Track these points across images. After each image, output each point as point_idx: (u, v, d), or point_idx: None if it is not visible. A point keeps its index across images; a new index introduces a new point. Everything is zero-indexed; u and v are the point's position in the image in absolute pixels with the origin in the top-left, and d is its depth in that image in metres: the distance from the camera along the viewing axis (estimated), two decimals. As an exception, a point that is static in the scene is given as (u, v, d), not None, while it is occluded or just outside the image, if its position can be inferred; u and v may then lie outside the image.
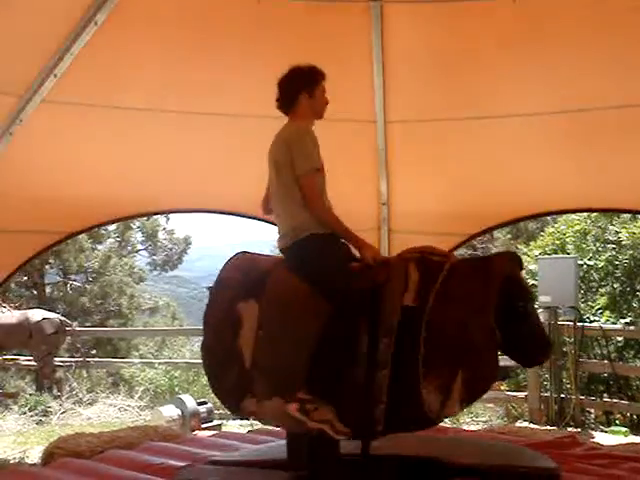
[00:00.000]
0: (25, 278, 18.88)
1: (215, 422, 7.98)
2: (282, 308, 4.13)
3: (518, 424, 8.40)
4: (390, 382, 3.95)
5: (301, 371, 3.98)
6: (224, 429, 7.81)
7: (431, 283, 4.07)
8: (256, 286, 4.19)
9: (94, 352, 13.92)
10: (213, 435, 6.62)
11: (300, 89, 4.40)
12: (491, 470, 4.28)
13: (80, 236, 16.14)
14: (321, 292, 4.12)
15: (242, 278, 4.24)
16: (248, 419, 8.74)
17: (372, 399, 3.94)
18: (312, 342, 4.00)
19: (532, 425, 8.13)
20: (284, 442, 4.42)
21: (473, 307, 4.02)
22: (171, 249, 22.97)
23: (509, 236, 17.16)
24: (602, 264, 10.05)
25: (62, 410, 9.45)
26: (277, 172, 4.36)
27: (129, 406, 9.71)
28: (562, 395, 8.52)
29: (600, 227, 10.52)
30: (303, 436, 4.13)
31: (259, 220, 7.48)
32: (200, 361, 10.48)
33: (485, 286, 4.05)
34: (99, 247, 20.78)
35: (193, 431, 7.35)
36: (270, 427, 7.21)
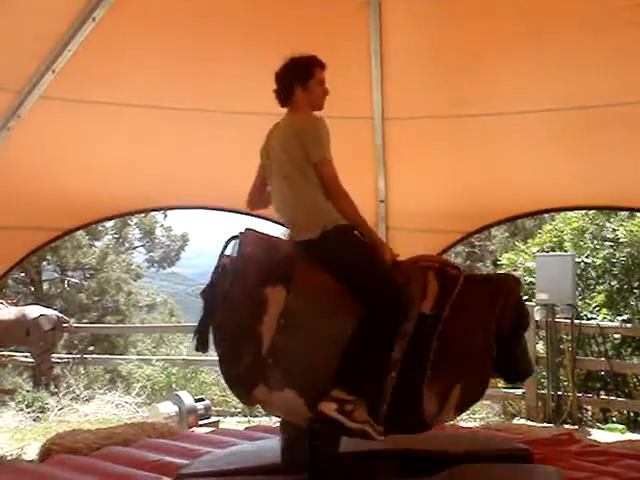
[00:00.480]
0: (22, 275, 18.88)
1: (212, 419, 7.98)
2: (313, 302, 3.98)
3: (515, 421, 8.42)
4: (395, 384, 4.00)
5: (329, 369, 3.89)
6: (221, 426, 7.81)
7: (449, 294, 4.17)
8: (282, 271, 3.99)
9: (91, 349, 13.93)
10: (210, 432, 6.62)
11: (293, 82, 4.32)
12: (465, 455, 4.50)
13: (77, 233, 16.15)
14: (354, 288, 3.99)
15: (265, 257, 4.00)
16: (245, 416, 8.81)
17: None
18: (345, 341, 3.92)
19: (529, 422, 8.14)
20: (251, 445, 4.48)
21: (479, 321, 4.21)
22: (169, 246, 22.97)
23: (507, 234, 17.20)
24: (600, 262, 10.05)
25: (59, 407, 9.45)
26: (288, 162, 4.18)
27: (126, 403, 9.71)
28: (559, 392, 8.55)
29: (598, 225, 10.52)
30: (301, 438, 4.10)
31: (257, 217, 7.49)
32: (198, 358, 10.60)
33: (492, 304, 4.25)
34: (96, 244, 20.77)
35: (190, 428, 7.35)
36: (267, 424, 7.26)
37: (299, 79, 4.32)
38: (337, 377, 3.89)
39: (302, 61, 4.34)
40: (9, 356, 11.78)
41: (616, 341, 9.53)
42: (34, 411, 9.17)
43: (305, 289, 3.99)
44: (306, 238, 4.08)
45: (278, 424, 6.43)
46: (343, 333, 3.95)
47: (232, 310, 3.91)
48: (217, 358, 3.97)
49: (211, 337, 3.97)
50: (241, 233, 4.05)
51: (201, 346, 3.97)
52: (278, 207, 4.40)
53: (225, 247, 4.04)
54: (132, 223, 22.00)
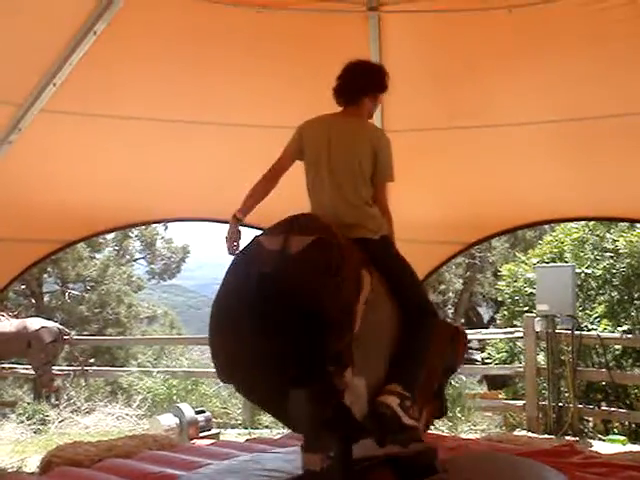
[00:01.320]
0: (23, 287, 18.88)
1: (213, 431, 7.97)
2: (379, 293, 4.02)
3: (516, 433, 8.41)
4: None
5: (387, 365, 3.98)
6: (222, 438, 7.80)
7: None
8: (363, 256, 4.03)
9: (92, 361, 13.89)
10: (211, 444, 6.61)
11: (369, 87, 4.36)
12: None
13: (78, 245, 16.16)
14: (401, 287, 4.18)
15: (347, 241, 3.97)
16: (246, 428, 8.81)
17: None
18: (394, 338, 4.05)
19: (530, 434, 8.12)
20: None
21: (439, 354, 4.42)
22: (169, 258, 22.99)
23: (507, 245, 17.22)
24: (600, 272, 10.08)
25: (60, 419, 9.44)
26: (356, 164, 4.23)
27: (127, 415, 9.69)
28: (560, 404, 8.53)
29: (598, 235, 10.55)
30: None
31: (258, 229, 7.49)
32: (199, 370, 10.60)
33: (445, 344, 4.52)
34: (97, 256, 20.79)
35: (191, 440, 7.35)
36: (267, 436, 7.26)
37: (375, 87, 4.38)
38: (395, 373, 3.96)
39: (382, 72, 4.40)
40: (10, 368, 11.76)
41: (617, 352, 9.54)
42: (35, 423, 9.15)
43: (376, 278, 4.00)
44: (365, 237, 4.19)
45: (279, 436, 6.45)
46: (395, 329, 4.05)
47: (343, 286, 3.72)
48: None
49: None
50: (309, 215, 4.13)
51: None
52: (328, 198, 4.29)
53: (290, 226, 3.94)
54: (133, 235, 22.03)
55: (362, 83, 4.34)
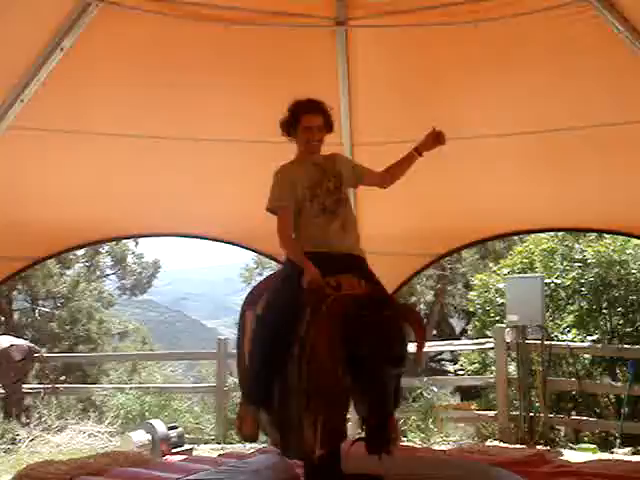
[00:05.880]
0: (-7, 304, 18.71)
1: (186, 446, 7.93)
2: None
3: (488, 443, 8.45)
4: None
5: None
6: (195, 453, 7.77)
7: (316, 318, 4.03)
8: None
9: (63, 378, 13.81)
10: (183, 459, 6.59)
11: (287, 131, 4.62)
12: None
13: (48, 261, 16.03)
14: None
15: None
16: (219, 443, 8.78)
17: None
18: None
19: (502, 444, 8.17)
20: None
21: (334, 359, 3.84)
22: (140, 273, 22.88)
23: (477, 256, 17.32)
24: (569, 282, 10.17)
25: (31, 438, 9.33)
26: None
27: (99, 432, 9.61)
28: (531, 413, 8.58)
29: (567, 246, 10.66)
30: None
31: (229, 244, 7.52)
32: (171, 385, 10.54)
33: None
34: (67, 272, 20.62)
35: (164, 456, 7.30)
36: (240, 450, 7.24)
37: (290, 131, 4.61)
38: None
39: (291, 110, 4.59)
40: (-21, 387, 11.63)
41: (586, 361, 9.63)
42: (5, 443, 9.05)
43: None
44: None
45: (252, 451, 6.44)
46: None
47: None
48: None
49: None
50: None
51: None
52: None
53: None
54: (103, 251, 21.89)
55: (284, 129, 4.65)
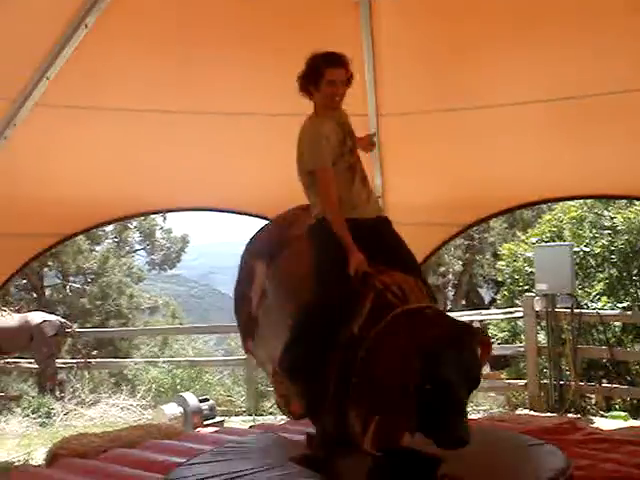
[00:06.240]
0: (24, 281, 18.87)
1: (217, 419, 8.01)
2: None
3: (518, 412, 8.45)
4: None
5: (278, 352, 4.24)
6: (226, 425, 7.85)
7: (377, 321, 3.94)
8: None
9: (95, 353, 13.95)
10: (215, 431, 6.65)
11: (307, 84, 4.38)
12: None
13: (78, 238, 16.16)
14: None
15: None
16: (250, 415, 8.86)
17: None
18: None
19: (532, 412, 8.16)
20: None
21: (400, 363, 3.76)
22: (169, 248, 22.97)
23: (505, 225, 17.22)
24: (598, 250, 10.09)
25: (65, 411, 9.48)
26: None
27: (131, 405, 9.75)
28: (562, 382, 8.56)
29: (596, 213, 10.56)
30: None
31: (256, 217, 7.53)
32: (203, 359, 10.72)
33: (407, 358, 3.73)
34: (97, 248, 20.75)
35: (195, 428, 7.39)
36: (271, 422, 7.30)
37: (310, 81, 4.37)
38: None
39: (313, 62, 4.36)
40: (14, 363, 11.80)
41: (617, 329, 9.56)
42: (40, 417, 9.20)
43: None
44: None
45: (283, 422, 6.50)
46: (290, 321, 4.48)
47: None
48: None
49: None
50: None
51: None
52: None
53: None
54: (132, 226, 21.98)
55: (301, 82, 4.41)
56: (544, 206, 12.90)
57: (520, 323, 9.87)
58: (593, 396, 9.24)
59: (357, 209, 4.32)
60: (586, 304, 9.52)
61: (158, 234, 22.76)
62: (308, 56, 4.37)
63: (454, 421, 3.60)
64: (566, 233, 10.67)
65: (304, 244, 4.43)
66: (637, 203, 9.98)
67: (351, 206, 4.30)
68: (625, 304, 9.59)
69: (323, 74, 4.30)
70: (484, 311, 14.21)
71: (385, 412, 3.79)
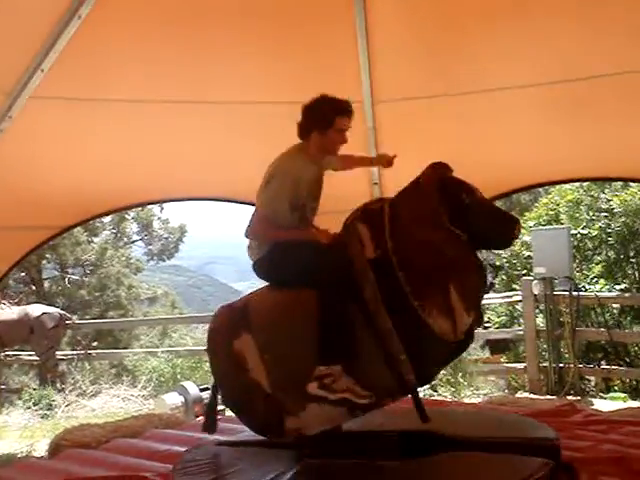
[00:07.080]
0: (23, 274, 18.91)
1: (218, 407, 8.02)
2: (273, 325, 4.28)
3: (518, 395, 8.49)
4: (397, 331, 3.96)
5: (311, 357, 4.03)
6: (228, 414, 7.86)
7: (380, 229, 4.12)
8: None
9: (95, 344, 13.98)
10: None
11: (312, 127, 4.39)
12: (487, 442, 4.26)
13: (75, 229, 16.17)
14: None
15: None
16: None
17: (391, 356, 3.93)
18: (314, 328, 4.05)
19: (532, 395, 8.20)
20: None
21: (427, 225, 4.08)
22: (167, 238, 23.00)
23: (502, 208, 17.21)
24: (595, 233, 10.11)
25: (66, 403, 9.52)
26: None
27: (132, 396, 9.78)
28: (561, 364, 8.61)
29: (592, 196, 10.57)
30: None
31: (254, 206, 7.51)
32: (202, 348, 10.71)
33: (425, 201, 4.17)
34: (95, 240, 20.80)
35: (197, 417, 7.40)
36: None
37: (318, 126, 4.37)
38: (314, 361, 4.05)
39: (325, 108, 4.36)
40: (14, 355, 11.83)
41: (615, 311, 9.60)
42: (42, 408, 9.23)
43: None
44: None
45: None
46: (310, 323, 4.22)
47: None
48: None
49: None
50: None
51: None
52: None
53: None
54: (129, 217, 22.02)
55: (307, 121, 4.41)
56: (541, 190, 12.90)
57: (519, 307, 9.90)
58: (592, 378, 9.29)
59: None
60: (584, 287, 9.55)
61: (156, 224, 22.81)
62: (315, 98, 4.38)
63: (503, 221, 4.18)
64: (563, 216, 10.69)
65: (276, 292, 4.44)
66: (633, 185, 9.99)
67: None
68: (623, 286, 9.63)
69: (333, 122, 4.34)
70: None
71: (451, 272, 3.97)
